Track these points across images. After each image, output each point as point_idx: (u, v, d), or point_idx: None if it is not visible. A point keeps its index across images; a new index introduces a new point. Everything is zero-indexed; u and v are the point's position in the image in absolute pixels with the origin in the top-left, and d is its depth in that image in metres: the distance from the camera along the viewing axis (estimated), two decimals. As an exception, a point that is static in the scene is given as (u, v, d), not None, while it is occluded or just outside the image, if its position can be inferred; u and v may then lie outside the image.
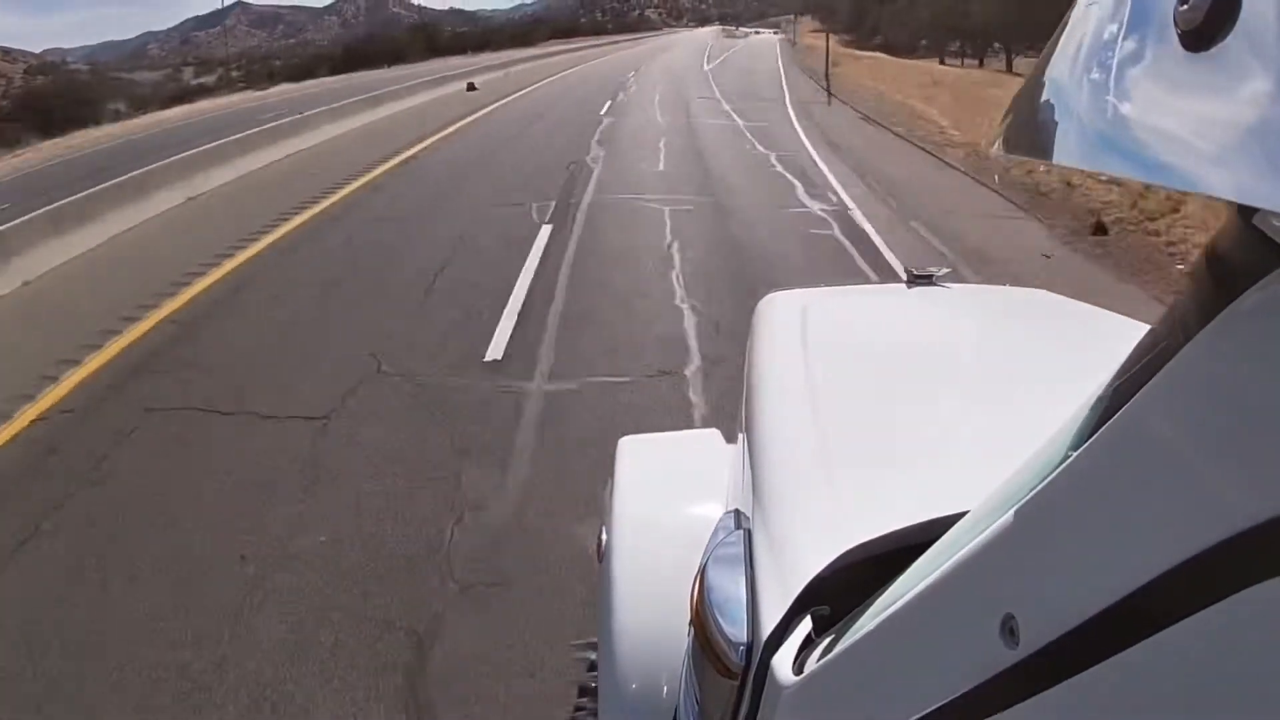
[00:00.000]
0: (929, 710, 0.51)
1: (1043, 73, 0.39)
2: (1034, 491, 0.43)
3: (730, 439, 1.63)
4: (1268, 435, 0.30)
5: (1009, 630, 0.43)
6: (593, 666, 1.56)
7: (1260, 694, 0.30)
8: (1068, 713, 0.39)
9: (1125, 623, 0.35)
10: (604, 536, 1.45)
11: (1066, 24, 0.39)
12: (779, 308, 1.76)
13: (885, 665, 0.61)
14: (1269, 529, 0.28)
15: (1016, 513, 0.44)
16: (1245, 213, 0.33)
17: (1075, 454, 0.40)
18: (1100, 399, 0.41)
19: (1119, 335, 0.73)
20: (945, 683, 0.49)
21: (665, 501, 1.53)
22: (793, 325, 1.62)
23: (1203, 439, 0.33)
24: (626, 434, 1.79)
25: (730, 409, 2.31)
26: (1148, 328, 0.39)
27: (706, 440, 1.70)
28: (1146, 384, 0.36)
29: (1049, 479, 0.42)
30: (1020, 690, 0.42)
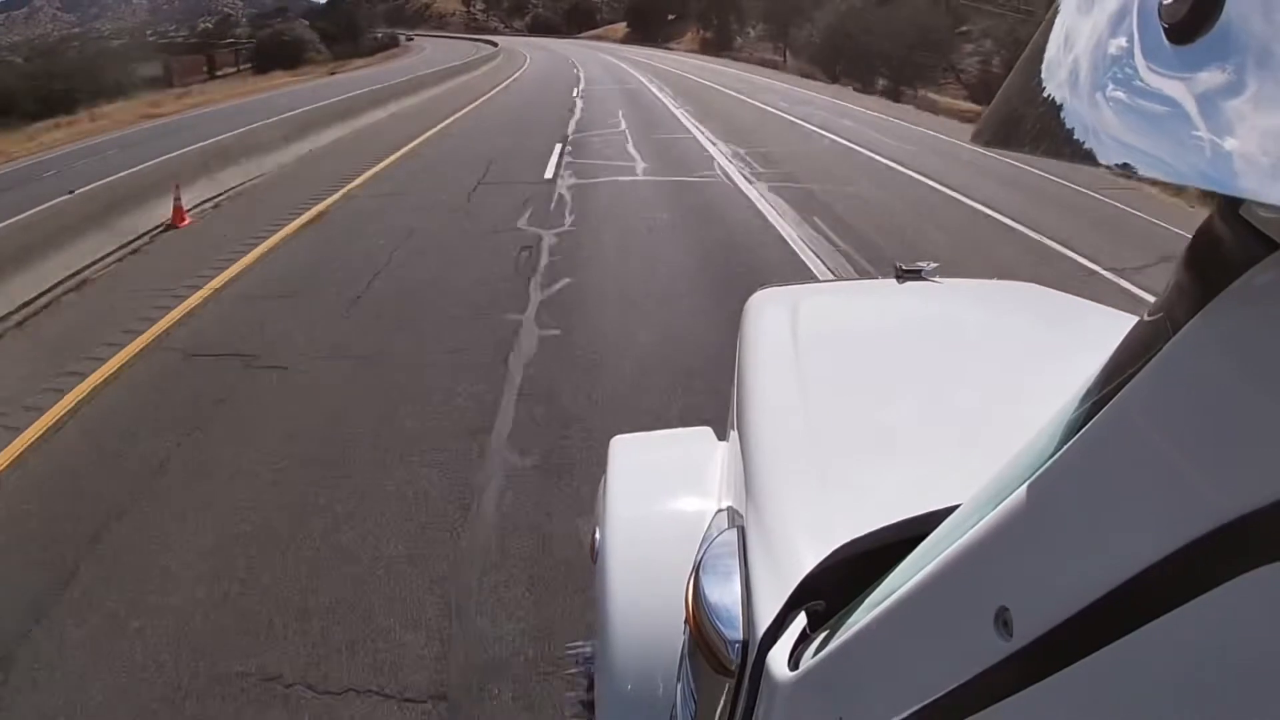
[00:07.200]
0: (924, 703, 0.51)
1: (1028, 65, 0.39)
2: (1026, 484, 0.43)
3: (722, 436, 1.63)
4: (1255, 426, 0.30)
5: (1003, 622, 0.43)
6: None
7: (1251, 682, 0.30)
8: (1063, 703, 0.40)
9: (1118, 613, 0.35)
10: (597, 536, 1.45)
11: (1052, 17, 0.39)
12: (768, 304, 1.76)
13: (880, 659, 0.62)
14: (1257, 519, 0.28)
15: (1009, 506, 0.44)
16: (1232, 203, 0.34)
17: (1066, 446, 0.40)
18: (1090, 391, 0.41)
19: (1109, 327, 0.73)
20: (940, 675, 0.49)
21: (658, 500, 1.53)
22: (782, 321, 1.62)
23: (1191, 430, 0.33)
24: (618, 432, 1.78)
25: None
26: (1137, 319, 0.40)
27: (698, 438, 1.69)
28: (1135, 376, 0.36)
29: (1040, 472, 0.42)
30: (1015, 681, 0.42)
